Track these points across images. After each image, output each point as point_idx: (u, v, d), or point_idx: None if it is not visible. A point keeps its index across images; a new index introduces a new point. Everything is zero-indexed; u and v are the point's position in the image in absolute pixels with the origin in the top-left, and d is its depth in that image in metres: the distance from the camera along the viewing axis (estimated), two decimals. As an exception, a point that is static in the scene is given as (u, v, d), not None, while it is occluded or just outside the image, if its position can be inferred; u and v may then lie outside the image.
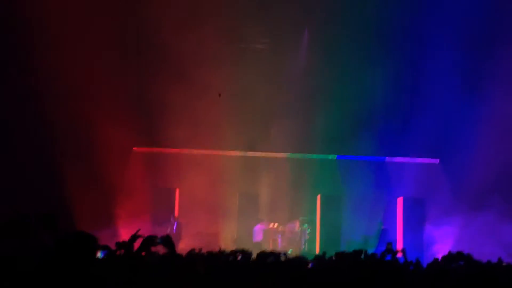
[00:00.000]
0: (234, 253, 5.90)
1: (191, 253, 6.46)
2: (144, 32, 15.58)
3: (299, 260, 6.90)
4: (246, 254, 5.67)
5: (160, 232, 14.75)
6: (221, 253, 6.04)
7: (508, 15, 15.01)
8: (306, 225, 16.91)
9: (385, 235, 16.32)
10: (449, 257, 4.90)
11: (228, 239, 15.68)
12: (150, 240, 4.78)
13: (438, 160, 17.73)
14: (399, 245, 15.69)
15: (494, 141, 14.95)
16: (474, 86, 15.53)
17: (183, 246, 12.82)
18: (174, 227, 16.01)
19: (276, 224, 16.87)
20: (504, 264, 6.10)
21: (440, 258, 6.16)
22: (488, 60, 14.78)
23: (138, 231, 5.21)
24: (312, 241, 16.66)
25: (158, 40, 15.33)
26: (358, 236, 16.24)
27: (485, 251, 9.02)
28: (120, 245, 5.17)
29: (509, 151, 14.71)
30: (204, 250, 6.78)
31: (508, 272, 4.65)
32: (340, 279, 3.05)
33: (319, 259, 7.97)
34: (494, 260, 6.77)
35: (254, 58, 16.51)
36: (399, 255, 7.17)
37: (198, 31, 15.10)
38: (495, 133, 14.94)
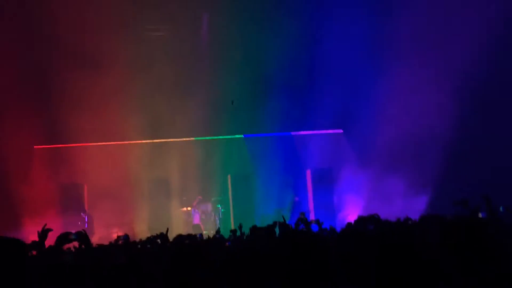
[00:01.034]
0: (151, 239, 5.87)
1: (108, 246, 6.36)
2: (33, 23, 14.88)
3: (215, 240, 6.98)
4: (162, 238, 5.65)
5: (71, 228, 14.44)
6: (139, 241, 5.99)
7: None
8: (219, 205, 17.08)
9: (298, 207, 16.77)
10: (360, 220, 5.12)
11: (143, 227, 15.52)
12: (64, 237, 4.63)
13: (342, 130, 18.26)
14: (312, 216, 16.18)
15: (397, 110, 15.52)
16: (375, 56, 16.03)
17: (96, 240, 12.59)
18: (86, 221, 15.68)
19: (189, 207, 16.94)
20: (410, 222, 6.47)
21: (353, 223, 6.42)
22: (388, 28, 15.22)
23: (44, 226, 5.04)
24: (227, 220, 16.85)
25: (52, 31, 14.69)
26: (271, 210, 16.56)
27: (392, 212, 9.42)
28: (32, 245, 4.99)
29: (410, 119, 15.32)
30: (120, 241, 6.70)
31: (414, 229, 4.93)
32: (256, 252, 3.11)
33: (235, 236, 8.08)
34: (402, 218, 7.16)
35: (155, 45, 16.23)
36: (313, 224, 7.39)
37: (97, 21, 14.60)
38: (397, 102, 15.54)
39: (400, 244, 2.80)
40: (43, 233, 4.85)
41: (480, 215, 7.17)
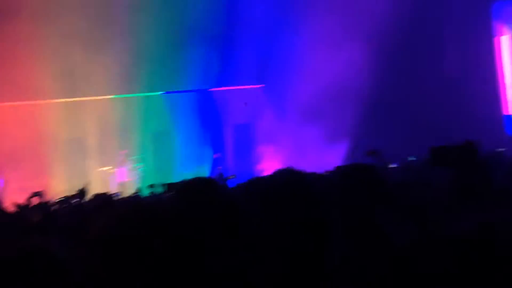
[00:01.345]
0: (66, 198, 5.73)
1: (21, 207, 6.15)
2: None
3: (132, 198, 6.90)
4: (80, 195, 5.53)
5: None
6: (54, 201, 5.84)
7: None
8: (138, 164, 16.88)
9: (218, 163, 16.85)
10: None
11: (60, 189, 15.10)
12: None
13: (263, 85, 18.26)
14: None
15: (317, 64, 15.72)
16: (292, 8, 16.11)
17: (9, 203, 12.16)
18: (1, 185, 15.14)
19: (109, 167, 16.62)
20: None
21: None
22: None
23: None
24: (146, 179, 16.68)
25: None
26: (190, 168, 16.54)
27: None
28: None
29: (329, 73, 15.54)
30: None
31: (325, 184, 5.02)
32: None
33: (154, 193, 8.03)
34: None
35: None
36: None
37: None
38: (316, 56, 15.73)
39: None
40: None
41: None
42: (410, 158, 9.30)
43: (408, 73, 16.13)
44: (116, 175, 16.56)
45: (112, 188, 15.89)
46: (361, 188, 2.99)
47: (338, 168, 3.60)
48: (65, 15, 15.00)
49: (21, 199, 5.89)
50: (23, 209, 5.43)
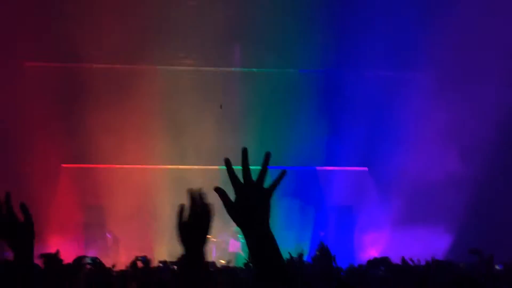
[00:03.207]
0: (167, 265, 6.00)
1: (122, 272, 6.50)
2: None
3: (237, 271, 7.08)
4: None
5: (95, 248, 14.68)
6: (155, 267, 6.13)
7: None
8: (240, 235, 17.08)
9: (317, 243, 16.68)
10: (372, 262, 5.22)
11: (163, 252, 15.61)
12: (78, 261, 4.94)
13: (367, 168, 18.22)
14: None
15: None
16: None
17: (116, 262, 12.73)
18: (109, 243, 15.91)
19: (210, 236, 16.92)
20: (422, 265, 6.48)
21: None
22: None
23: (57, 252, 5.31)
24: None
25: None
26: (290, 244, 16.51)
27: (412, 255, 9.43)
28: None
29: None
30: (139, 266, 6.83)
31: (425, 272, 5.00)
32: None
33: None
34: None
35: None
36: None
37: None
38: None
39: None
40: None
41: (497, 267, 7.13)
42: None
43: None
44: (229, 244, 16.87)
45: (212, 257, 16.22)
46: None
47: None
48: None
49: (128, 257, 6.25)
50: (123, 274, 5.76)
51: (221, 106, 16.11)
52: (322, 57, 16.58)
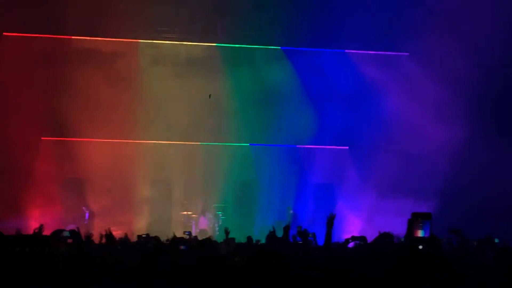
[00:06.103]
0: (145, 239, 6.00)
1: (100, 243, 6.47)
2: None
3: (210, 244, 7.11)
4: (156, 240, 5.79)
5: (71, 221, 14.58)
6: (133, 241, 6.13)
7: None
8: (220, 212, 17.13)
9: (296, 220, 16.79)
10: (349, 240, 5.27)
11: (142, 227, 15.61)
12: (57, 234, 4.89)
13: (347, 147, 18.23)
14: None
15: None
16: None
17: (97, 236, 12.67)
18: (86, 216, 15.83)
19: (190, 212, 16.99)
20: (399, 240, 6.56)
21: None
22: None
23: (41, 226, 5.26)
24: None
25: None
26: (270, 221, 16.57)
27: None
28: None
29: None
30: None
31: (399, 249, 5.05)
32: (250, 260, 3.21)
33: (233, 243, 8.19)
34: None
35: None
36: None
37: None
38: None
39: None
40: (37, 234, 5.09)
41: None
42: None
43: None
44: (199, 221, 16.92)
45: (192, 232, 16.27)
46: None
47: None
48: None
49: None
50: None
51: (210, 96, 16.07)
52: (305, 35, 16.58)
